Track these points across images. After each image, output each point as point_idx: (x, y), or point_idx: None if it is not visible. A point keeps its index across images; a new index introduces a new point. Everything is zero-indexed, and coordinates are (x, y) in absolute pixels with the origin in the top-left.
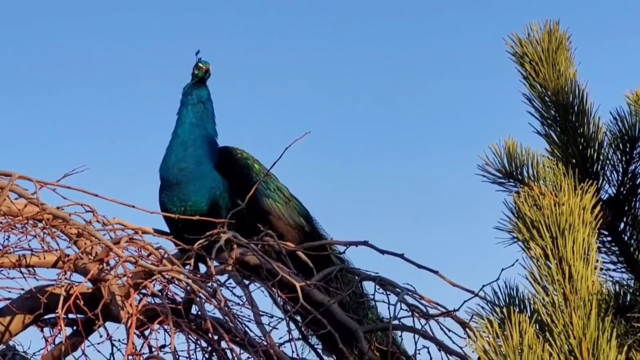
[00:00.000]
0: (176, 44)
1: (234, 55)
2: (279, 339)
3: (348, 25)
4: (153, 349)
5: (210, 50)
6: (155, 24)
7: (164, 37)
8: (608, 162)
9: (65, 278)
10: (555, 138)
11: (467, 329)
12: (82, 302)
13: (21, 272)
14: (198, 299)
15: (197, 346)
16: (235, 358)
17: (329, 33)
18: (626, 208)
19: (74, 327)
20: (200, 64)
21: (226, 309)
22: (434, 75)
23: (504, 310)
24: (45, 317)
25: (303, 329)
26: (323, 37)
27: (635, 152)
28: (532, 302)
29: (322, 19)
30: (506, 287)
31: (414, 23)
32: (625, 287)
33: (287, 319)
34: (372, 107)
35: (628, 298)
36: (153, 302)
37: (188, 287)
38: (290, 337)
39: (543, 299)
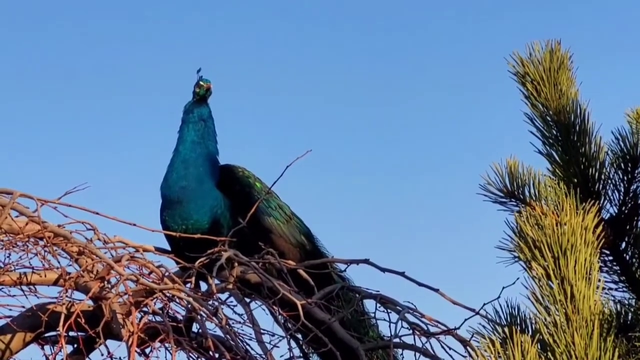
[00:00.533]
0: (178, 59)
1: (234, 68)
2: (280, 357)
3: (351, 39)
4: None
5: (211, 64)
6: (158, 39)
7: (166, 53)
8: (610, 181)
9: (67, 296)
10: (557, 157)
11: (468, 348)
12: (83, 320)
13: (22, 290)
14: (199, 317)
15: None
16: None
17: (331, 46)
18: (628, 227)
19: (75, 345)
20: (201, 82)
21: (227, 327)
22: (438, 93)
23: (506, 329)
24: (46, 335)
25: (304, 347)
26: (325, 51)
27: (636, 171)
28: (533, 321)
29: (323, 32)
30: (508, 306)
31: (416, 40)
32: (627, 306)
33: (288, 337)
34: (374, 123)
35: (630, 317)
36: (154, 320)
37: (189, 305)
38: (292, 355)
39: (545, 318)
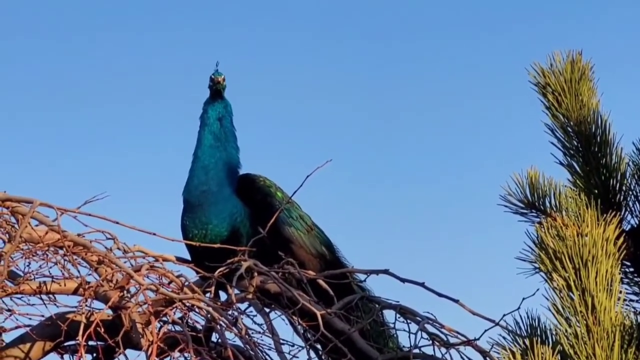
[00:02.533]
0: (199, 63)
1: (256, 75)
2: None
3: (372, 46)
4: None
5: (233, 67)
6: (179, 43)
7: (187, 58)
8: (631, 192)
9: (86, 305)
10: (578, 169)
11: (487, 359)
12: (102, 330)
13: (42, 299)
14: (219, 326)
15: None
16: None
17: (355, 54)
18: None
19: (94, 355)
20: (213, 76)
21: (247, 337)
22: (460, 104)
23: (527, 340)
24: (66, 344)
25: (323, 358)
26: (345, 61)
27: None
28: (554, 332)
29: (345, 41)
30: (528, 317)
31: (436, 49)
32: None
33: (308, 347)
34: (394, 132)
35: None
36: (173, 329)
37: (209, 315)
38: None
39: (566, 330)
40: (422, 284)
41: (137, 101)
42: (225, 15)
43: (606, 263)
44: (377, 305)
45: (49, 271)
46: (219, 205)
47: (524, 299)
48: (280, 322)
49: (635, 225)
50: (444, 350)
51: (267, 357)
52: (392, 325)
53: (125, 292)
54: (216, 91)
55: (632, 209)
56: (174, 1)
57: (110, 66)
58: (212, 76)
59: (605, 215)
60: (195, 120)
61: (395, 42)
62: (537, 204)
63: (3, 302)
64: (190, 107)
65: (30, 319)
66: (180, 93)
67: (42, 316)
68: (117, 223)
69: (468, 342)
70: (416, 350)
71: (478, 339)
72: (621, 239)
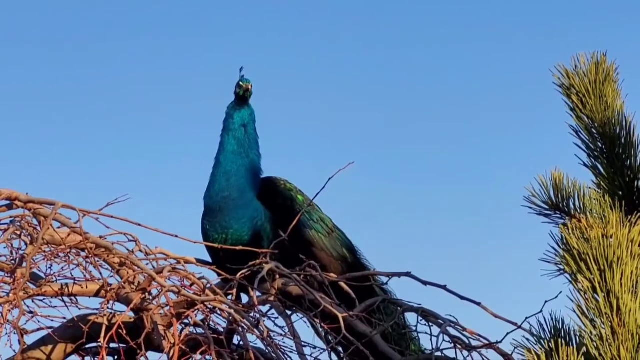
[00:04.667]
0: (221, 67)
1: (280, 77)
2: None
3: (394, 51)
4: None
5: (256, 69)
6: (201, 48)
7: (208, 61)
8: None
9: (108, 307)
10: (602, 170)
11: None
12: (124, 332)
13: (63, 301)
14: (240, 329)
15: None
16: None
17: (376, 59)
18: None
19: (116, 357)
20: (241, 83)
21: (269, 339)
22: (484, 105)
23: (551, 342)
24: (87, 346)
25: None
26: (373, 64)
27: None
28: (578, 334)
29: (366, 45)
30: (552, 319)
31: (460, 51)
32: None
33: (329, 350)
34: (417, 135)
35: None
36: (195, 332)
37: (230, 317)
38: None
39: (591, 332)
40: (444, 287)
41: (160, 105)
42: (247, 18)
43: (631, 264)
44: (399, 308)
45: (71, 273)
46: (240, 210)
47: (546, 301)
48: (302, 325)
49: None
50: (466, 353)
51: (288, 359)
52: (414, 328)
53: (147, 294)
54: (243, 97)
55: None
56: (197, 7)
57: (132, 72)
58: (241, 82)
59: (630, 216)
60: (216, 123)
61: (420, 46)
62: (561, 205)
63: (25, 304)
64: (212, 111)
65: (52, 320)
66: (202, 96)
67: (64, 318)
68: (139, 225)
69: (490, 345)
70: (438, 353)
71: (500, 342)
72: None
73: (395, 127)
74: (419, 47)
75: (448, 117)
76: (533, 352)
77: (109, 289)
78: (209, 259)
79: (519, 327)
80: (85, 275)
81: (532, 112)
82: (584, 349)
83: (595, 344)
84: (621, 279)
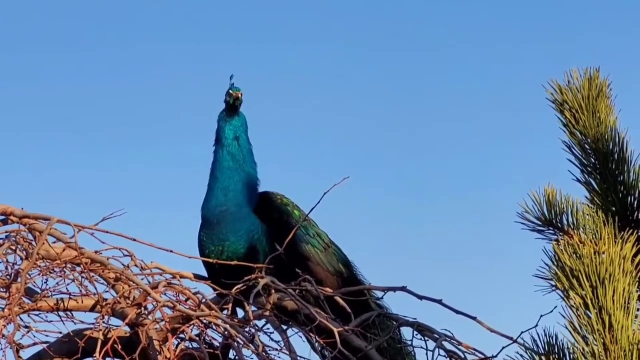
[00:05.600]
0: (212, 78)
1: (274, 88)
2: None
3: (393, 61)
4: None
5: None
6: (196, 56)
7: (201, 71)
8: None
9: (103, 322)
10: (595, 186)
11: None
12: (119, 346)
13: (59, 316)
14: (236, 343)
15: None
16: None
17: (374, 67)
18: None
19: None
20: (231, 91)
21: (264, 354)
22: (478, 121)
23: (543, 358)
24: None
25: None
26: (366, 75)
27: None
28: (571, 351)
29: (368, 51)
30: (545, 334)
31: (452, 64)
32: None
33: None
34: (410, 149)
35: None
36: (191, 346)
37: (226, 332)
38: None
39: (583, 348)
40: (439, 301)
41: (154, 117)
42: (243, 27)
43: (623, 281)
44: (394, 323)
45: (66, 288)
46: (237, 223)
47: (541, 316)
48: (298, 339)
49: None
50: None
51: None
52: (409, 343)
53: (142, 309)
54: (233, 106)
55: None
56: (197, 7)
57: (123, 81)
58: (230, 91)
59: (622, 232)
60: (209, 133)
61: (414, 56)
62: (554, 221)
63: (20, 318)
64: (205, 120)
65: (47, 335)
66: (195, 106)
67: (60, 333)
68: (135, 240)
69: None
70: None
71: (495, 356)
72: (638, 257)
73: (390, 141)
74: (413, 61)
75: (440, 132)
76: None
77: (104, 303)
78: (205, 273)
79: (515, 341)
80: (80, 290)
81: (526, 128)
82: None
83: None
84: (613, 295)
